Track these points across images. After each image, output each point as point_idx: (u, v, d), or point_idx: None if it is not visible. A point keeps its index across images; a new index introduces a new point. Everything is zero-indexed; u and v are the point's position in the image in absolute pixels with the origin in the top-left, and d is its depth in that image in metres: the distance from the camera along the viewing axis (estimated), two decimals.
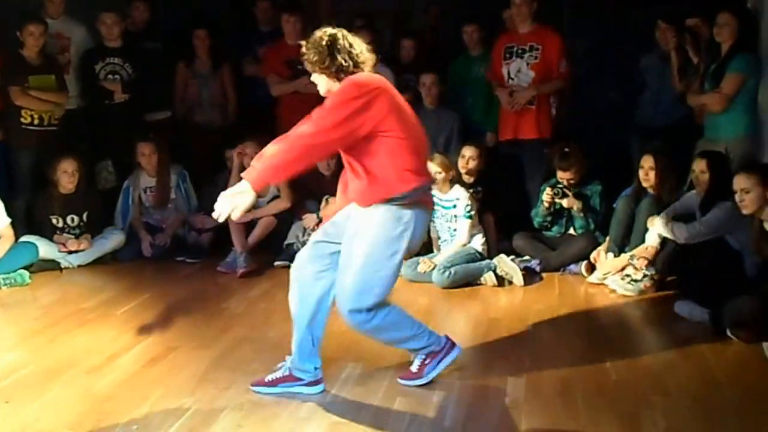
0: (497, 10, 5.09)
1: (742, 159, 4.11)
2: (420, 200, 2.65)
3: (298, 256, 2.80)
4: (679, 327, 3.51)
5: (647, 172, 4.26)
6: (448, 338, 2.88)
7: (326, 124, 2.49)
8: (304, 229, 4.79)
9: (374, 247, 2.58)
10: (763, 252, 3.41)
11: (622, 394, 2.78)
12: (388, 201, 2.59)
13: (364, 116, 2.50)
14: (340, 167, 4.86)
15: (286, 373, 2.81)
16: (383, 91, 2.57)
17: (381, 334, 2.74)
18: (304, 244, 4.79)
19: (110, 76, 5.04)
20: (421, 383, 2.80)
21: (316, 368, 2.79)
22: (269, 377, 2.83)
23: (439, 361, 2.83)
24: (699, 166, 3.96)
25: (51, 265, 4.53)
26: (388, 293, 2.67)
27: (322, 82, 2.67)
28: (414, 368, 2.83)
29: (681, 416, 2.60)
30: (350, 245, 2.62)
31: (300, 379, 2.79)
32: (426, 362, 2.82)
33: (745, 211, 3.45)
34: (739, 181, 3.45)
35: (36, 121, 4.75)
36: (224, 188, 5.02)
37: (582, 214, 4.50)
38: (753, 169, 3.58)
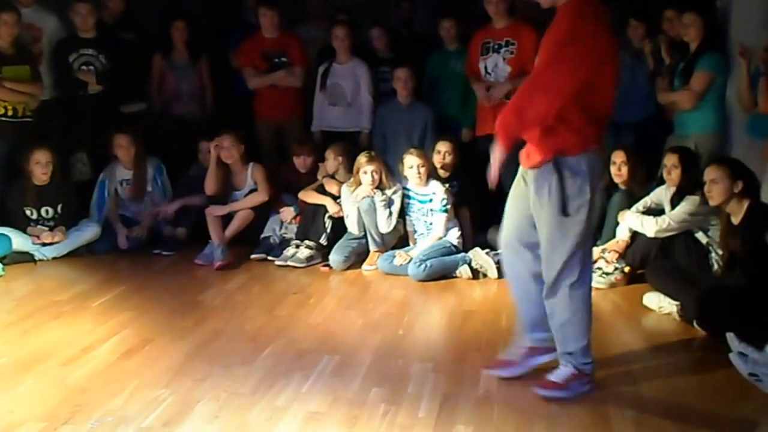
0: (473, 5, 5.10)
1: (711, 155, 4.20)
2: None
3: None
4: (648, 319, 3.60)
5: (619, 167, 4.33)
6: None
7: None
8: (281, 223, 4.81)
9: None
10: (729, 245, 3.49)
11: None
12: None
13: None
14: (315, 166, 4.91)
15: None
16: None
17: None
18: (280, 237, 4.85)
19: (84, 67, 4.98)
20: (563, 396, 2.67)
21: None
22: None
23: (586, 384, 2.72)
24: (671, 160, 4.03)
25: (25, 258, 4.48)
26: None
27: None
28: (559, 379, 2.70)
29: (649, 407, 2.67)
30: None
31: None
32: (575, 376, 2.70)
33: (711, 202, 3.50)
34: (709, 172, 3.49)
35: (10, 113, 4.67)
36: (201, 181, 5.01)
37: None
38: (724, 161, 3.64)
